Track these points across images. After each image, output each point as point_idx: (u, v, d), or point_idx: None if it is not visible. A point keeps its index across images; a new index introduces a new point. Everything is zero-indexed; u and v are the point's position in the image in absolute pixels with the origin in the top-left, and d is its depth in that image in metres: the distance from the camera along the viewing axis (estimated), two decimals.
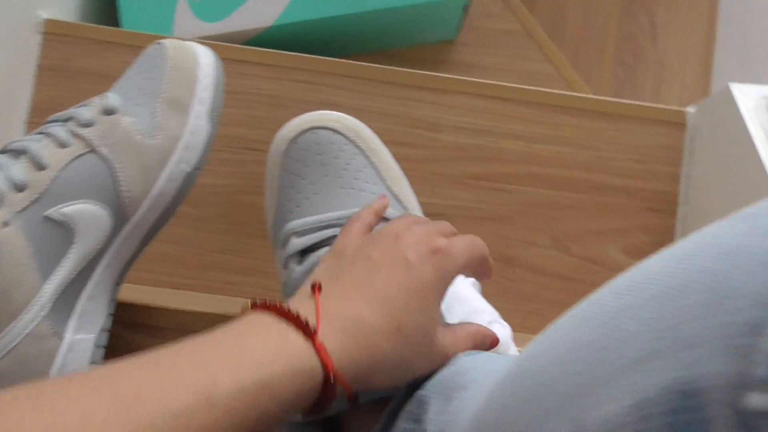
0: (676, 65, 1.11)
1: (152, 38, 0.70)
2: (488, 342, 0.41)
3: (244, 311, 0.35)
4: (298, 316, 0.33)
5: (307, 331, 0.33)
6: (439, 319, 0.38)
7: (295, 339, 0.33)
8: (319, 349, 0.33)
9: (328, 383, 0.33)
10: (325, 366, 0.33)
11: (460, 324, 0.40)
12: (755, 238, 0.21)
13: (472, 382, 0.35)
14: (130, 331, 0.54)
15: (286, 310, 0.33)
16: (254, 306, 0.34)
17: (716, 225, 0.24)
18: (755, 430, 0.19)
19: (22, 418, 0.26)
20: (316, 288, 0.36)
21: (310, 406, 0.34)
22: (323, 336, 0.33)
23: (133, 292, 0.60)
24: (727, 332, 0.20)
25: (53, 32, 0.70)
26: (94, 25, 0.71)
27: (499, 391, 0.29)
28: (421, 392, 0.37)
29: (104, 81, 0.70)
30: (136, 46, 0.70)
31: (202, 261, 0.69)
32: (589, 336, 0.24)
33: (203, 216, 0.69)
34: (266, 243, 0.71)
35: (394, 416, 0.37)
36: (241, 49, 0.70)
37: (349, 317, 0.35)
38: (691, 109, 0.68)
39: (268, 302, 0.34)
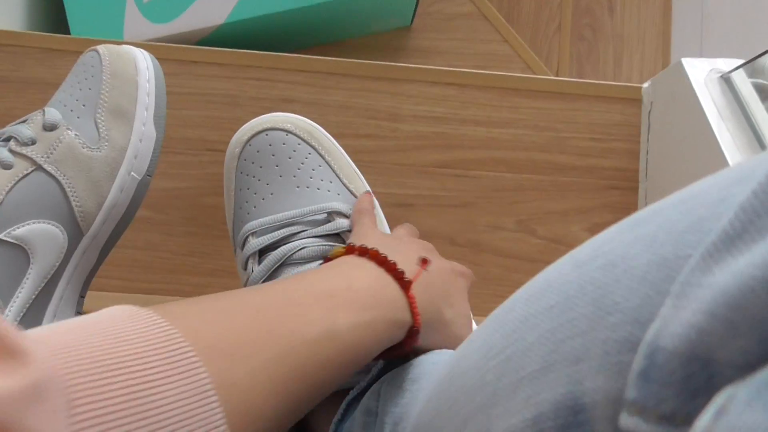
0: (635, 38, 1.12)
1: (103, 43, 0.69)
2: None
3: (337, 253, 0.38)
4: (395, 265, 0.37)
5: (402, 282, 0.37)
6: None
7: (393, 289, 0.36)
8: (411, 302, 0.36)
9: (412, 334, 0.36)
10: (414, 319, 0.36)
11: None
12: (636, 250, 0.21)
13: (423, 374, 0.35)
14: None
15: (384, 258, 0.37)
16: (351, 249, 0.38)
17: (612, 229, 0.24)
18: None
19: (194, 324, 0.27)
20: (421, 261, 0.40)
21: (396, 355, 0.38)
22: (414, 289, 0.37)
23: (103, 301, 0.60)
24: (607, 348, 0.20)
25: (0, 43, 0.68)
26: (43, 33, 0.69)
27: (434, 391, 0.30)
28: (377, 385, 0.37)
29: (55, 90, 0.69)
30: None
31: (171, 265, 0.69)
32: (499, 344, 0.25)
33: (168, 220, 0.68)
34: (231, 242, 0.71)
35: (351, 408, 0.38)
36: (194, 49, 0.69)
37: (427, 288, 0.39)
38: (645, 85, 0.69)
39: (366, 248, 0.38)
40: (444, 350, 0.39)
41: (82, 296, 0.46)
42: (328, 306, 0.32)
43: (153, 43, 0.69)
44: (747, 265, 0.16)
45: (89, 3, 0.76)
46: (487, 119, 0.70)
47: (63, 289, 0.44)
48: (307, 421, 0.43)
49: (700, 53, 0.62)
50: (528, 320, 0.23)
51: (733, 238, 0.17)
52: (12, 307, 0.41)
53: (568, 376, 0.20)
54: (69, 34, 0.77)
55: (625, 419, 0.18)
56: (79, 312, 0.47)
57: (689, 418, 0.15)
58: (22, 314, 0.41)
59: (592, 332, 0.20)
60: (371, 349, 0.34)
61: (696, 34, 1.16)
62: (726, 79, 0.60)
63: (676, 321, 0.17)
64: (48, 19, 0.83)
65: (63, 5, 0.77)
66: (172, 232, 0.69)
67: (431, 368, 0.35)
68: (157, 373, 0.23)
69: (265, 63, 0.69)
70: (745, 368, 0.15)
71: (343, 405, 0.38)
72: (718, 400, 0.15)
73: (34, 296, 0.42)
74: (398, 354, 0.37)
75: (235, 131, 0.70)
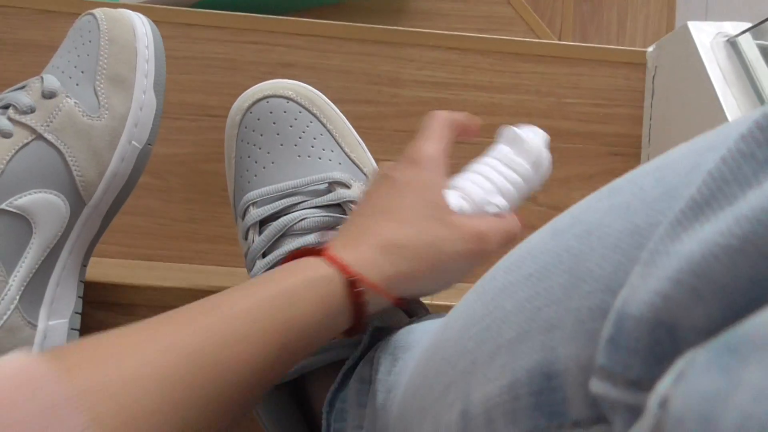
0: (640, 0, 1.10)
1: (98, 6, 0.68)
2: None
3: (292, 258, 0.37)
4: (312, 247, 0.37)
5: (317, 251, 0.36)
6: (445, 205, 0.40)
7: (308, 259, 0.35)
8: (330, 259, 0.35)
9: (354, 286, 0.34)
10: (342, 271, 0.34)
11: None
12: (611, 218, 0.21)
13: (414, 342, 0.35)
14: (101, 310, 0.54)
15: (302, 248, 0.36)
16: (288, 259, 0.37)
17: (591, 197, 0.24)
18: (603, 413, 0.19)
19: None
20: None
21: (352, 314, 0.35)
22: (340, 251, 0.35)
23: (103, 267, 0.60)
24: (580, 316, 0.20)
25: None
26: None
27: (420, 360, 0.30)
28: (372, 353, 0.37)
29: (50, 53, 0.68)
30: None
31: (170, 231, 0.69)
32: (480, 312, 0.25)
33: (167, 186, 0.68)
34: (232, 210, 0.71)
35: (348, 377, 0.38)
36: (192, 12, 0.68)
37: (374, 233, 0.37)
38: (650, 49, 0.68)
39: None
40: (436, 317, 0.39)
41: (84, 265, 0.46)
42: (229, 295, 0.32)
43: (149, 5, 0.68)
44: (712, 232, 0.17)
45: None
46: (489, 84, 0.69)
47: (66, 258, 0.43)
48: (305, 390, 0.44)
49: (705, 17, 0.61)
50: (507, 289, 0.24)
51: (701, 206, 0.18)
52: (16, 276, 0.40)
53: (543, 344, 0.21)
54: None
55: (595, 384, 0.18)
56: (82, 281, 0.47)
57: (655, 384, 0.15)
58: (25, 284, 0.41)
59: (567, 300, 0.21)
60: (296, 315, 0.32)
61: None
62: (732, 43, 0.59)
63: (643, 288, 0.18)
64: None
65: None
66: (171, 199, 0.68)
67: (422, 336, 0.35)
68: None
69: (263, 26, 0.68)
70: (708, 333, 0.16)
71: (340, 374, 0.39)
72: (679, 364, 0.15)
73: (37, 266, 0.41)
74: (364, 313, 0.35)
75: (233, 96, 0.69)
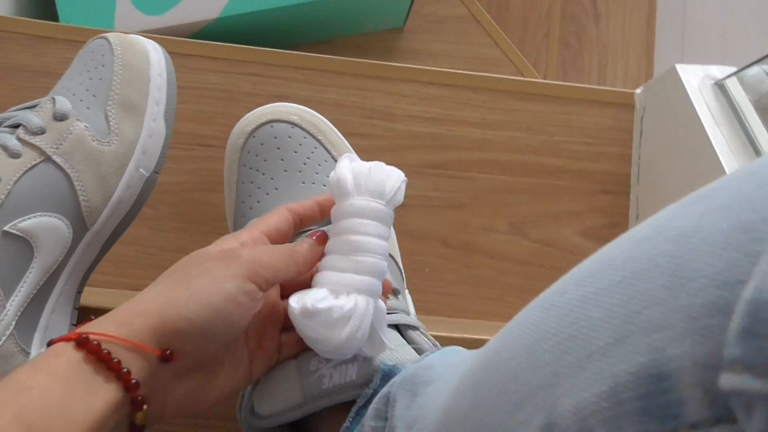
0: (620, 46, 1.14)
1: (92, 33, 0.67)
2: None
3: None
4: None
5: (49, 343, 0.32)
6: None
7: (40, 355, 0.32)
8: (55, 340, 0.31)
9: (88, 344, 0.30)
10: (69, 339, 0.31)
11: None
12: (711, 219, 0.22)
13: (437, 376, 0.35)
14: None
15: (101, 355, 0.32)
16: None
17: (672, 208, 0.24)
18: (727, 409, 0.19)
19: None
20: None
21: (111, 380, 0.31)
22: (82, 329, 0.32)
23: (90, 295, 0.58)
24: (692, 314, 0.20)
25: None
26: (31, 19, 0.68)
27: (467, 384, 0.29)
28: (387, 390, 0.37)
29: (42, 78, 0.67)
30: (76, 41, 0.68)
31: (158, 261, 0.67)
32: (555, 325, 0.24)
33: (157, 215, 0.67)
34: None
35: (360, 415, 0.37)
36: (188, 42, 0.68)
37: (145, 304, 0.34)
38: (638, 91, 0.70)
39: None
40: (455, 350, 0.39)
41: (79, 292, 0.45)
42: None
43: (146, 34, 0.68)
44: None
45: None
46: (482, 121, 0.70)
47: (63, 284, 0.42)
48: (314, 429, 0.43)
49: (681, 62, 0.63)
50: (589, 299, 0.23)
51: None
52: (13, 301, 0.39)
53: (647, 345, 0.20)
54: (57, 22, 0.76)
55: (730, 379, 0.18)
56: (76, 308, 0.45)
57: None
58: (22, 309, 0.40)
59: (672, 300, 0.20)
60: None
61: (677, 45, 1.18)
62: (720, 86, 0.61)
63: None
64: (36, 5, 0.81)
65: None
66: (161, 228, 0.67)
67: (445, 371, 0.35)
68: None
69: (260, 58, 0.68)
70: None
71: (352, 412, 0.38)
72: None
73: (35, 291, 0.40)
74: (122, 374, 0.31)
75: (227, 126, 0.69)
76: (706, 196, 0.23)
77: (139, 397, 0.31)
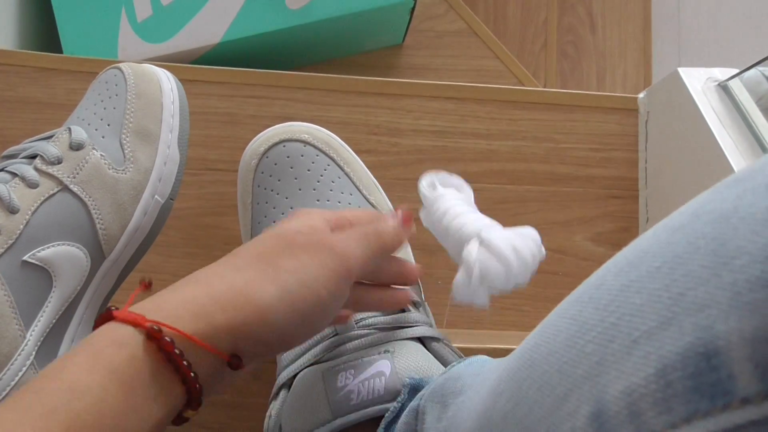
0: (617, 54, 1.14)
1: (97, 63, 0.68)
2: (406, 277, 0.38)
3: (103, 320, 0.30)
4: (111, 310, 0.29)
5: (110, 315, 0.29)
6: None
7: (96, 332, 0.28)
8: (120, 317, 0.28)
9: (159, 340, 0.27)
10: (136, 324, 0.27)
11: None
12: (749, 200, 0.22)
13: (466, 386, 0.35)
14: None
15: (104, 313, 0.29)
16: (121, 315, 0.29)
17: (705, 195, 0.24)
18: None
19: None
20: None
21: (174, 379, 0.28)
22: (152, 311, 0.28)
23: None
24: (737, 290, 0.20)
25: None
26: (36, 52, 0.68)
27: (504, 386, 0.29)
28: (416, 403, 0.36)
29: (50, 110, 0.68)
30: (81, 71, 0.68)
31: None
32: (596, 316, 0.24)
33: (168, 241, 0.67)
34: None
35: (390, 430, 0.37)
36: (191, 68, 0.68)
37: (190, 285, 0.31)
38: (641, 95, 0.70)
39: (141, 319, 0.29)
40: (481, 359, 0.39)
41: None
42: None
43: (150, 61, 0.69)
44: None
45: (82, 22, 0.75)
46: (487, 132, 0.70)
47: (82, 312, 0.42)
48: None
49: (679, 67, 0.64)
50: (629, 287, 0.23)
51: None
52: (33, 331, 0.39)
53: (694, 324, 0.20)
54: (61, 53, 0.76)
55: None
56: None
57: None
58: (42, 338, 0.40)
59: (716, 279, 0.21)
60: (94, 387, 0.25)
61: (674, 50, 1.18)
62: (724, 87, 0.61)
63: None
64: (40, 38, 0.81)
65: (55, 24, 0.76)
66: (172, 254, 0.68)
67: (474, 380, 0.35)
68: None
69: (263, 81, 0.69)
70: None
71: (381, 427, 0.37)
72: None
73: (55, 320, 0.40)
74: (189, 375, 0.28)
75: (234, 150, 0.69)
76: (739, 180, 0.23)
77: (199, 399, 0.28)
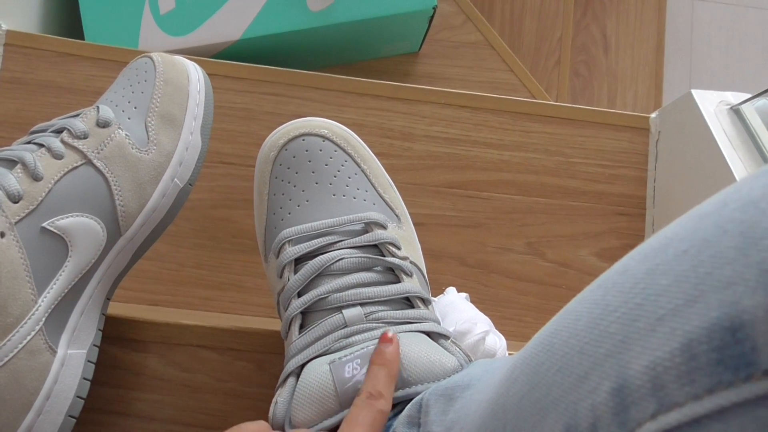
0: (629, 76, 1.15)
1: (118, 51, 0.69)
2: None
3: None
4: None
5: None
6: None
7: None
8: None
9: None
10: None
11: None
12: None
13: (475, 380, 0.35)
14: (114, 346, 0.53)
15: None
16: None
17: (730, 187, 0.25)
18: None
19: None
20: None
21: None
22: None
23: (111, 309, 0.59)
24: (764, 267, 0.20)
25: (14, 44, 0.68)
26: (58, 37, 0.69)
27: (519, 372, 0.29)
28: (420, 397, 0.37)
29: (68, 95, 0.69)
30: (101, 59, 0.69)
31: (178, 277, 0.68)
32: (620, 299, 0.24)
33: (178, 231, 0.68)
34: (241, 257, 0.70)
35: (391, 422, 0.37)
36: (211, 62, 0.69)
37: None
38: (653, 115, 0.71)
39: None
40: (488, 360, 0.39)
41: (108, 298, 0.46)
42: None
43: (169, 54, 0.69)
44: None
45: (106, 11, 0.76)
46: (499, 142, 0.71)
47: (93, 287, 0.43)
48: None
49: (688, 89, 0.65)
50: (655, 270, 0.24)
51: None
52: (45, 297, 0.40)
53: (720, 301, 0.21)
54: (83, 40, 0.77)
55: None
56: (104, 314, 0.46)
57: None
58: (53, 306, 0.40)
59: (744, 258, 0.21)
60: None
61: (685, 75, 1.19)
62: (736, 111, 0.62)
63: None
64: (63, 24, 0.82)
65: (78, 11, 0.77)
66: (181, 244, 0.68)
67: (483, 374, 0.35)
68: None
69: (281, 79, 0.70)
70: None
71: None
72: None
73: (67, 290, 0.41)
74: None
75: (248, 144, 0.70)
76: (763, 174, 0.23)
77: None
